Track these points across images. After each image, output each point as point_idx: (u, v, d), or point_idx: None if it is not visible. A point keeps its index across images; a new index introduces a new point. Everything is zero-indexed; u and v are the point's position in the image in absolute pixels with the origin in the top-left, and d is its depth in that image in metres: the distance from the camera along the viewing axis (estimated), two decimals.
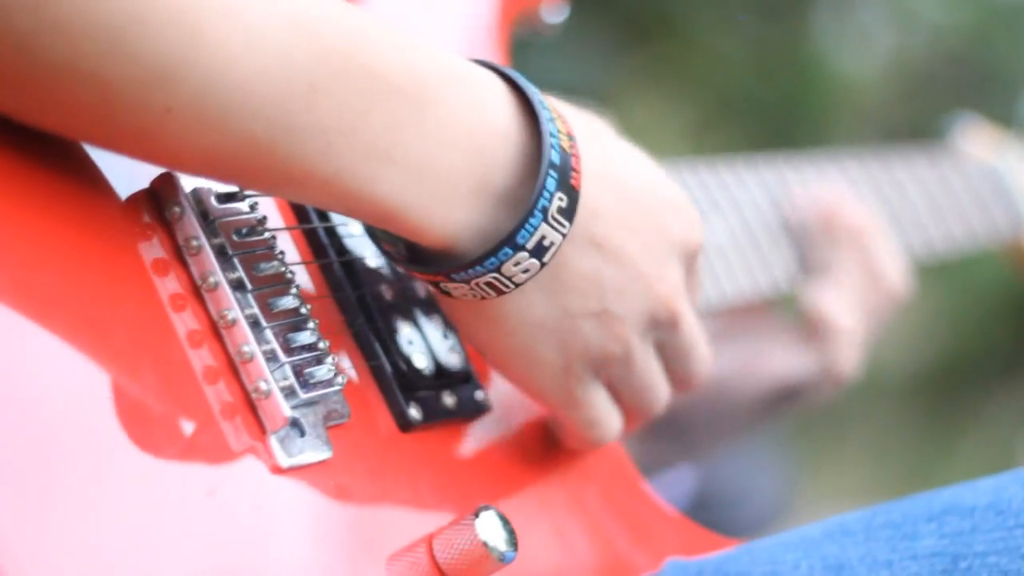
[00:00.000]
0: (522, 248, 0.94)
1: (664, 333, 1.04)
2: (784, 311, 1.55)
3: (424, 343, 1.04)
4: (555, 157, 0.94)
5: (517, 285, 0.96)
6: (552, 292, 0.99)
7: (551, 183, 0.94)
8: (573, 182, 0.95)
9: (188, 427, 0.88)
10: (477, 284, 0.96)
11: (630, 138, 1.08)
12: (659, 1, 4.10)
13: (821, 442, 3.79)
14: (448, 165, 0.93)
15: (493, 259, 0.94)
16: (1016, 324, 4.05)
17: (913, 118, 3.74)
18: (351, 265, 1.03)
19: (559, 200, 0.94)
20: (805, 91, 3.99)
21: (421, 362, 1.02)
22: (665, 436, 1.58)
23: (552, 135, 0.94)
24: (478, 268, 0.95)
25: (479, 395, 1.06)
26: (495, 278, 0.95)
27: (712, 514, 1.23)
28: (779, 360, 1.51)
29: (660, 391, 1.07)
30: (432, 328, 1.05)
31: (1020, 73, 3.90)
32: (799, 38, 4.14)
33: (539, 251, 0.95)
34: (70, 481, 0.82)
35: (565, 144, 0.95)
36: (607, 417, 1.05)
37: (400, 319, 1.03)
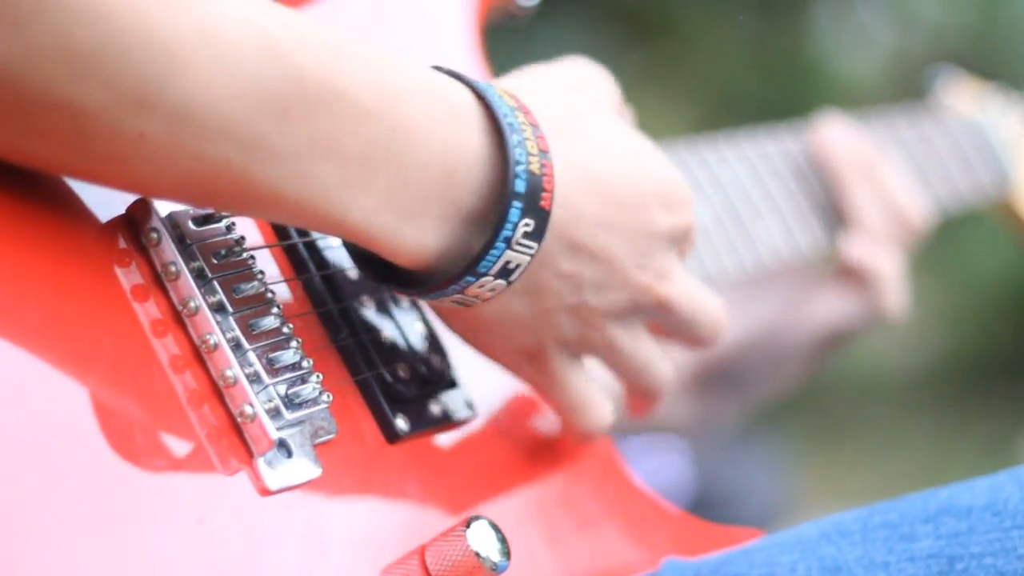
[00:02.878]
0: (485, 274, 0.94)
1: (654, 315, 1.04)
2: (816, 259, 1.56)
3: (408, 349, 1.04)
4: (520, 186, 0.93)
5: (484, 301, 0.96)
6: (529, 293, 0.99)
7: (515, 214, 0.93)
8: (543, 204, 0.94)
9: (175, 454, 0.87)
10: (445, 301, 0.96)
11: None
12: (659, 1, 4.10)
13: (820, 441, 3.80)
14: (419, 190, 0.92)
15: (455, 285, 0.94)
16: (1016, 324, 4.05)
17: None
18: (332, 278, 1.02)
19: (524, 226, 0.93)
20: (805, 91, 3.99)
21: (405, 371, 1.02)
22: (723, 389, 1.60)
23: (519, 162, 0.93)
24: (441, 293, 0.95)
25: (465, 401, 1.06)
26: (461, 298, 0.96)
27: (712, 513, 1.23)
28: (824, 307, 1.53)
29: (656, 369, 1.06)
30: (415, 333, 1.05)
31: (1020, 73, 3.90)
32: (799, 38, 4.14)
33: (504, 273, 0.95)
34: (60, 514, 0.81)
35: (535, 166, 0.94)
36: (592, 404, 1.05)
37: (383, 328, 1.03)
